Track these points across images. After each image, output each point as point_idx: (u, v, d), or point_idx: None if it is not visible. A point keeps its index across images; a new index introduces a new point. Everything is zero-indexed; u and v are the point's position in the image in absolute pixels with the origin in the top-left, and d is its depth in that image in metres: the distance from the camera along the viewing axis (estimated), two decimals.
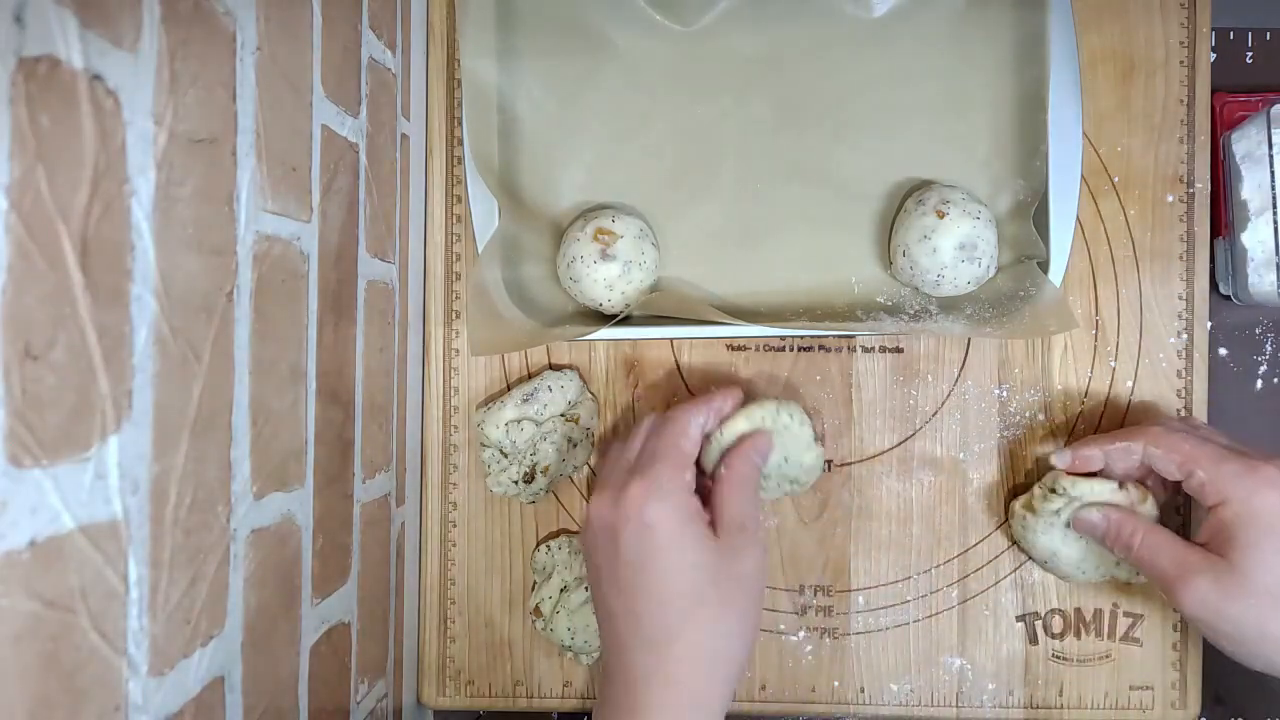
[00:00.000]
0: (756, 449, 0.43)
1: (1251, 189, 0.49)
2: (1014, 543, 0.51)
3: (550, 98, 0.51)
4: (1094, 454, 0.47)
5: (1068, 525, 0.47)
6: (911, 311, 0.49)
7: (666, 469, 0.40)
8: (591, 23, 0.50)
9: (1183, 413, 0.51)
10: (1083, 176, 0.49)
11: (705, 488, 0.43)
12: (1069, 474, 0.47)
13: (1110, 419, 0.52)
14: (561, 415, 0.50)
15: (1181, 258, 0.52)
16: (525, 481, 0.49)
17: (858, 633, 0.52)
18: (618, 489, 0.40)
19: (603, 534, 0.40)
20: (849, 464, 0.52)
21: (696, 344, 0.53)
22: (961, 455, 0.52)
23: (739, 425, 0.43)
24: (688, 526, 0.39)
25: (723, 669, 0.38)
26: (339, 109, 0.41)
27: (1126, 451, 0.46)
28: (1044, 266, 0.49)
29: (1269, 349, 0.53)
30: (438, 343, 0.53)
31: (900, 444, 0.52)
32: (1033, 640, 0.52)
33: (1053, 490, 0.47)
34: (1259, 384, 0.53)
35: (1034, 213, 0.49)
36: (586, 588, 0.49)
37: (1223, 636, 0.42)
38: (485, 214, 0.50)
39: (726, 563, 0.39)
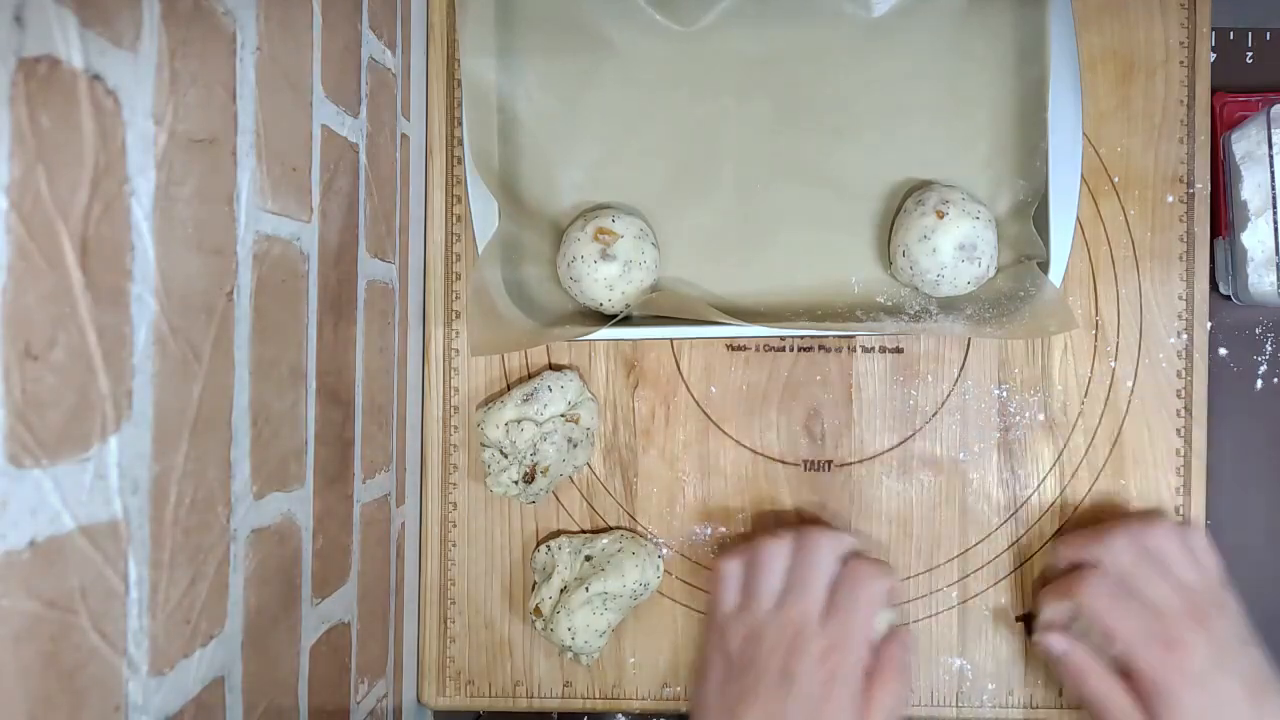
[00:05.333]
0: (908, 647, 0.47)
1: (1251, 189, 0.49)
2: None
3: (550, 97, 0.51)
4: (1057, 623, 0.48)
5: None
6: (911, 311, 0.49)
7: (856, 653, 0.44)
8: (592, 22, 0.50)
9: (1180, 413, 0.51)
10: (1083, 176, 0.49)
11: None
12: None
13: (1110, 419, 0.52)
14: (562, 415, 0.50)
15: (1181, 258, 0.52)
16: (525, 482, 0.49)
17: None
18: (809, 642, 0.44)
19: (773, 675, 0.44)
20: (849, 464, 0.52)
21: (696, 344, 0.53)
22: (961, 455, 0.52)
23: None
24: (851, 711, 0.43)
25: None
26: (339, 109, 0.41)
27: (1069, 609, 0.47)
28: (1044, 266, 0.49)
29: (1269, 349, 0.53)
30: (438, 343, 0.53)
31: (900, 444, 0.52)
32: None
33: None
34: (1259, 384, 0.53)
35: (1034, 213, 0.49)
36: (587, 588, 0.49)
37: None
38: (485, 214, 0.50)
39: None
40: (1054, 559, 0.50)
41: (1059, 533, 0.52)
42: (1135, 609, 0.45)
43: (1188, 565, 0.46)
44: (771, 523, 0.53)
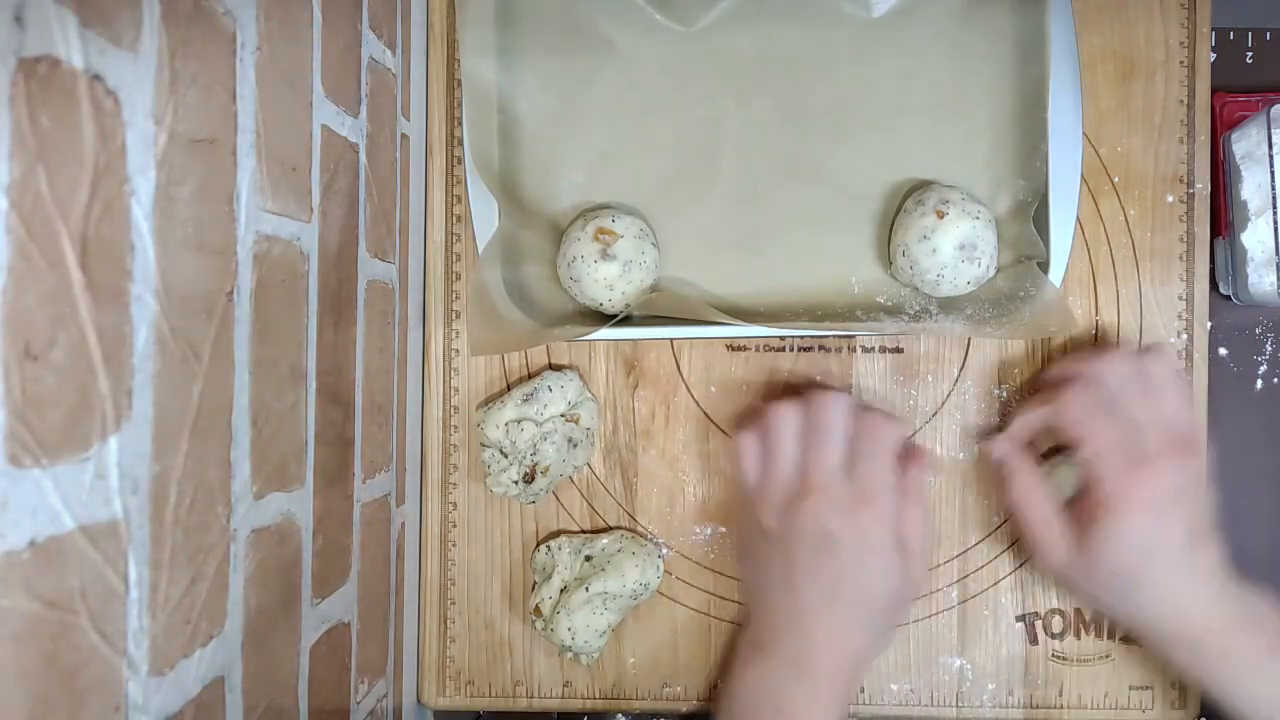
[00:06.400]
0: (926, 466, 0.48)
1: (1251, 189, 0.49)
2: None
3: (550, 97, 0.51)
4: (1022, 434, 0.48)
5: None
6: (911, 311, 0.49)
7: (885, 496, 0.45)
8: (592, 22, 0.50)
9: None
10: (1083, 176, 0.49)
11: None
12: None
13: None
14: (562, 415, 0.50)
15: (1181, 258, 0.52)
16: (525, 482, 0.49)
17: None
18: (838, 497, 0.44)
19: (812, 538, 0.44)
20: None
21: (696, 344, 0.53)
22: (961, 455, 0.52)
23: None
24: (896, 556, 0.45)
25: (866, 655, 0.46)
26: (339, 109, 0.41)
27: (1044, 424, 0.48)
28: (1044, 267, 0.49)
29: (1269, 349, 0.53)
30: (438, 343, 0.53)
31: None
32: (1032, 640, 0.52)
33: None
34: (1259, 384, 0.53)
35: (1034, 213, 0.49)
36: (587, 588, 0.49)
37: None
38: (485, 214, 0.50)
39: (907, 587, 0.46)
40: (1044, 376, 0.50)
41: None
42: (1113, 422, 0.45)
43: (1178, 401, 0.46)
44: (779, 394, 0.53)
